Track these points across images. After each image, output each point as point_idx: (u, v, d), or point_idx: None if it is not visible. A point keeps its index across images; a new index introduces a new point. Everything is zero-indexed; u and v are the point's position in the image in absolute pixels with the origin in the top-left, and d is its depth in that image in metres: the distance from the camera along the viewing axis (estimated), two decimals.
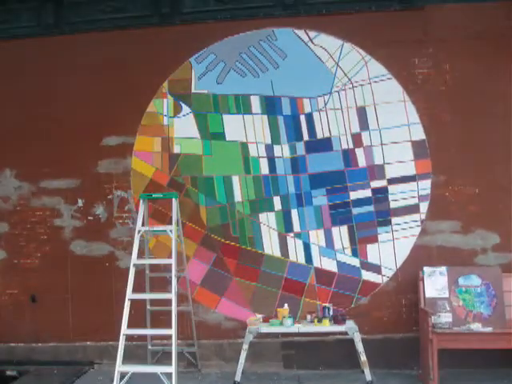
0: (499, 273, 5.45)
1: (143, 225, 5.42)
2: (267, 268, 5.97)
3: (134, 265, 5.19)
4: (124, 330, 4.91)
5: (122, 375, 4.84)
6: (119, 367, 4.81)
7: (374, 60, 5.99)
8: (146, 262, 5.61)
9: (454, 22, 5.95)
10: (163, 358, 5.70)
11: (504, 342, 4.92)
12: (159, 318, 5.61)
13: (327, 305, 5.45)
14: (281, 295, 5.92)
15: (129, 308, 5.01)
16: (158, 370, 4.92)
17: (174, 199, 5.40)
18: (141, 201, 5.46)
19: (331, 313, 5.39)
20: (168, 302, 5.00)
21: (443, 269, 5.50)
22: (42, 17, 6.49)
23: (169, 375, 4.75)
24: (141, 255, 5.48)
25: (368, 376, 5.13)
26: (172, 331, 4.84)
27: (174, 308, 4.93)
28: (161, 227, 5.62)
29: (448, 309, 5.19)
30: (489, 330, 5.04)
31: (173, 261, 5.14)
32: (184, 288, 5.81)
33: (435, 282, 5.45)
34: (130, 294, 5.04)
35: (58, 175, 6.30)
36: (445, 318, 5.10)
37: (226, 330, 5.98)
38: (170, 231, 5.26)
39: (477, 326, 5.10)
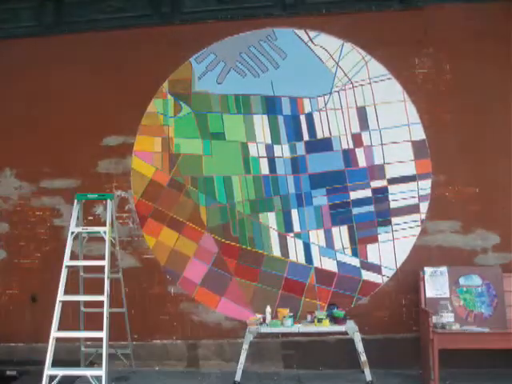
0: (500, 273, 5.45)
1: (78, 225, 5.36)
2: (267, 268, 5.97)
3: (67, 266, 5.12)
4: (54, 332, 4.85)
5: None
6: (48, 370, 4.73)
7: (374, 60, 5.99)
8: (79, 263, 5.52)
9: (454, 22, 5.94)
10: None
11: (504, 343, 4.92)
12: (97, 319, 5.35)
13: (331, 306, 5.50)
14: (281, 295, 5.92)
15: (60, 310, 4.96)
16: (88, 373, 4.84)
17: (108, 200, 5.35)
18: (75, 202, 5.38)
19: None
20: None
21: (444, 269, 5.49)
22: (42, 16, 6.49)
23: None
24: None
25: (368, 376, 5.12)
26: (103, 334, 4.80)
27: (105, 310, 4.88)
28: (95, 228, 5.47)
29: (450, 309, 5.18)
30: (489, 330, 5.04)
31: (106, 262, 5.09)
32: (184, 287, 5.79)
33: (436, 282, 5.45)
34: (61, 296, 4.97)
35: (58, 175, 6.30)
36: (447, 318, 5.09)
37: (226, 330, 5.98)
38: (104, 232, 5.19)
39: (477, 327, 5.11)
